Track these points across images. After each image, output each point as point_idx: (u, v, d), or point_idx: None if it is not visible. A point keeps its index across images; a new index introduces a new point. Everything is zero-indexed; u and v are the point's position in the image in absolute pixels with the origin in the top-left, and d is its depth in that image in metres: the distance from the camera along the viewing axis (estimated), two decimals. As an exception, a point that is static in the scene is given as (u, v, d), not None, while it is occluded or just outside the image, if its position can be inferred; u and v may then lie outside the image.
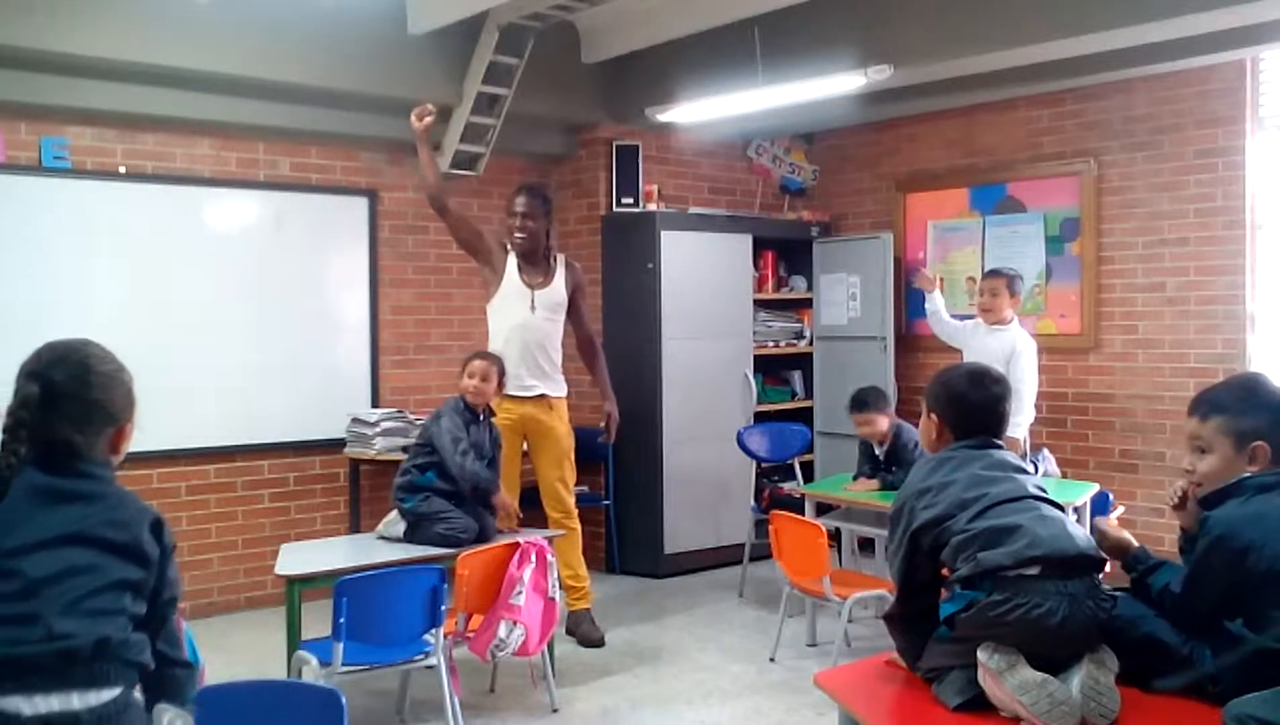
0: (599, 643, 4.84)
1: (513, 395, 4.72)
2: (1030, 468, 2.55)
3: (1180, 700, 2.16)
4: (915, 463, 2.82)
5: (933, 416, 2.52)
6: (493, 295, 4.87)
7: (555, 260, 4.93)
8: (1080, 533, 2.27)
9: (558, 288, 4.88)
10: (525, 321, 4.77)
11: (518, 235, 4.79)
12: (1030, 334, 5.19)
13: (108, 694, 1.80)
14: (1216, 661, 2.14)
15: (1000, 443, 2.47)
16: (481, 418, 4.28)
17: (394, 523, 4.13)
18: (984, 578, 2.17)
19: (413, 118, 4.66)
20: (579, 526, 4.93)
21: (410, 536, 4.05)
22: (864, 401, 4.90)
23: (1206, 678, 2.14)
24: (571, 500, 4.92)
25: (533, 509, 5.15)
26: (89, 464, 1.94)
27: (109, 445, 1.99)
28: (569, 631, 4.87)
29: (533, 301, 4.79)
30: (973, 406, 2.47)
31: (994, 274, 5.25)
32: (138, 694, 1.87)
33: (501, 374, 4.33)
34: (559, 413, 4.89)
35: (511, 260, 4.83)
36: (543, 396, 4.81)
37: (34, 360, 1.96)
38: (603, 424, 5.09)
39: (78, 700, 1.77)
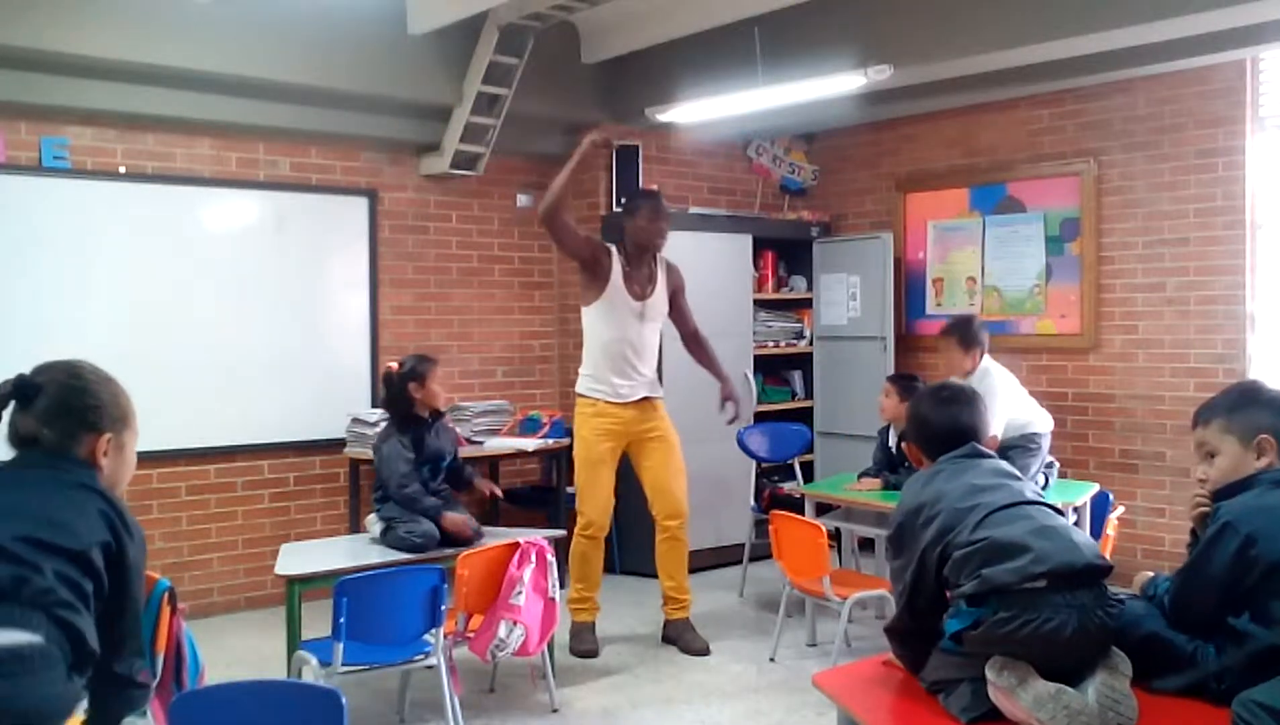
0: (703, 651, 4.73)
1: (612, 402, 4.66)
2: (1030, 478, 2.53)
3: (1187, 701, 2.14)
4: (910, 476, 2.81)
5: (910, 445, 2.58)
6: (593, 300, 4.68)
7: (658, 265, 4.79)
8: (1085, 540, 2.22)
9: (661, 295, 4.75)
10: (633, 333, 4.65)
11: (662, 240, 4.72)
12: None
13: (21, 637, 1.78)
14: (1221, 659, 2.13)
15: (989, 452, 2.46)
16: (433, 423, 4.23)
17: (374, 522, 4.17)
18: (989, 593, 2.12)
19: (587, 142, 4.45)
20: (687, 538, 4.84)
21: (383, 538, 4.08)
22: (893, 376, 5.05)
23: (1210, 676, 2.13)
24: (686, 506, 4.79)
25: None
26: (55, 458, 1.98)
27: (88, 451, 2.02)
28: (669, 641, 4.84)
29: (642, 313, 4.66)
30: (933, 423, 2.50)
31: (941, 334, 5.10)
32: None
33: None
34: (663, 414, 4.79)
35: (617, 267, 4.66)
36: (645, 399, 4.72)
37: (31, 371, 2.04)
38: (724, 405, 4.86)
39: None
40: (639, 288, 4.68)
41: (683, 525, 4.79)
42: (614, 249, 4.71)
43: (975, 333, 4.96)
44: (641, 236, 4.68)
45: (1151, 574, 2.40)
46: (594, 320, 4.71)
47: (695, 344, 4.99)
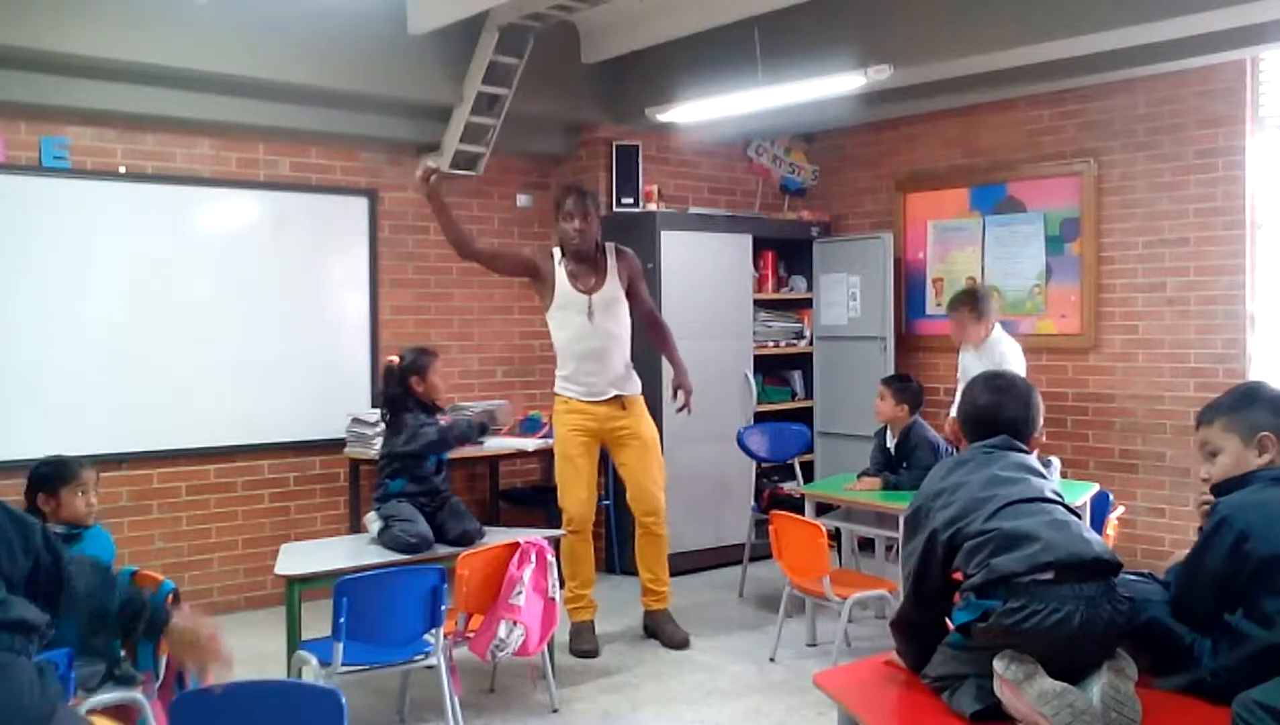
0: (684, 643, 4.81)
1: (584, 401, 4.69)
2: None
3: (1188, 700, 2.14)
4: (930, 464, 2.81)
5: (953, 422, 2.59)
6: (548, 305, 4.73)
7: (607, 254, 4.78)
8: (1095, 538, 2.23)
9: (613, 283, 4.72)
10: (584, 330, 4.65)
11: (574, 238, 4.63)
12: (1017, 336, 5.16)
13: None
14: (1216, 657, 2.13)
15: (1023, 446, 2.46)
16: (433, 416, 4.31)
17: (373, 521, 4.18)
18: (998, 584, 2.13)
19: (418, 179, 4.39)
20: (666, 532, 4.89)
21: (379, 538, 4.08)
22: (887, 378, 5.12)
23: (1206, 673, 2.13)
24: (663, 502, 4.84)
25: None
26: None
27: None
28: (650, 634, 4.90)
29: (589, 308, 4.64)
30: (979, 410, 2.52)
31: (951, 306, 5.25)
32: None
33: None
34: (636, 411, 4.79)
35: (560, 269, 4.68)
36: (616, 398, 4.73)
37: None
38: (673, 395, 4.90)
39: None
40: (584, 283, 4.69)
41: (659, 521, 4.85)
42: (555, 252, 4.75)
43: (984, 300, 5.16)
44: (559, 234, 4.73)
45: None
46: (553, 324, 4.78)
47: (653, 329, 4.99)
